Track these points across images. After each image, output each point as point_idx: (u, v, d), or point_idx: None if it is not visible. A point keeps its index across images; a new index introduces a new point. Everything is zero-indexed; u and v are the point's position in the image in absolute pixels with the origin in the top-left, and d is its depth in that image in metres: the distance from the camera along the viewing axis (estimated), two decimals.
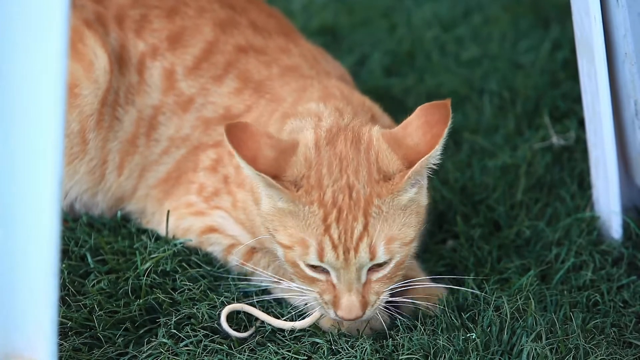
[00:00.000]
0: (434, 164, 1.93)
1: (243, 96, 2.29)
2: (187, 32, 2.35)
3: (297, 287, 1.99)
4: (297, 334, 2.05)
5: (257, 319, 2.06)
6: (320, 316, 2.01)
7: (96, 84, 2.28)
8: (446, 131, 1.89)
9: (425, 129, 1.90)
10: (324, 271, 1.92)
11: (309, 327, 2.03)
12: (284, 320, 2.05)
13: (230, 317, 2.05)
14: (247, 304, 2.07)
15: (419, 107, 1.93)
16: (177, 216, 2.27)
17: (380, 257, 1.89)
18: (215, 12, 2.38)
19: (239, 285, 2.14)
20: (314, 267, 1.92)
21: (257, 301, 2.09)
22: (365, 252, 1.88)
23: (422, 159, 1.88)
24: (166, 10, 2.37)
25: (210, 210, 2.24)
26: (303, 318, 2.04)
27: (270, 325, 2.04)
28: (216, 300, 2.09)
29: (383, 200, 1.89)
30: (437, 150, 1.90)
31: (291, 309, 2.09)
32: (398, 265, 1.94)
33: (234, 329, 2.04)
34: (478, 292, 2.08)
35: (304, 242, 1.89)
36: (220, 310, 2.04)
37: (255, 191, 2.11)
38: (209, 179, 2.25)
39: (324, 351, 1.99)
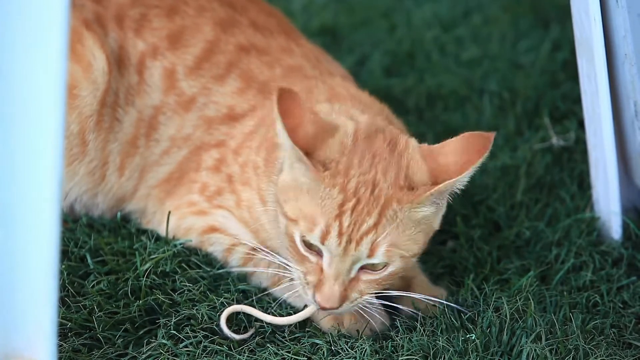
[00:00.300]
0: (458, 189, 1.92)
1: (247, 96, 2.28)
2: (188, 32, 2.34)
3: (283, 263, 1.99)
4: (296, 335, 2.05)
5: (256, 319, 2.06)
6: (317, 313, 2.01)
7: (95, 84, 2.28)
8: (480, 162, 1.88)
9: (461, 154, 1.90)
10: (318, 254, 1.92)
11: (305, 319, 2.04)
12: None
13: (230, 318, 2.05)
14: (245, 304, 2.07)
15: (463, 133, 1.93)
16: (178, 216, 2.27)
17: (378, 258, 1.89)
18: (215, 11, 2.37)
19: (239, 286, 2.14)
20: (309, 247, 1.92)
21: (256, 301, 2.09)
22: (365, 248, 1.88)
23: (449, 180, 1.88)
24: (166, 10, 2.36)
25: (213, 210, 2.24)
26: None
27: (266, 322, 2.04)
28: (216, 301, 2.09)
29: (400, 207, 1.89)
30: (466, 176, 1.89)
31: (291, 310, 2.09)
32: (392, 275, 1.94)
33: (233, 330, 2.04)
34: (460, 307, 2.08)
35: (312, 219, 1.88)
36: (220, 314, 2.04)
37: (262, 188, 2.11)
38: (212, 178, 2.26)
39: (323, 352, 1.99)
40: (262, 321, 2.06)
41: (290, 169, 1.94)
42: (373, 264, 1.92)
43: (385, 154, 1.93)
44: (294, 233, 1.92)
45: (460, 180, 1.90)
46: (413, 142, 1.98)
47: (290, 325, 2.04)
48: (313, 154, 1.90)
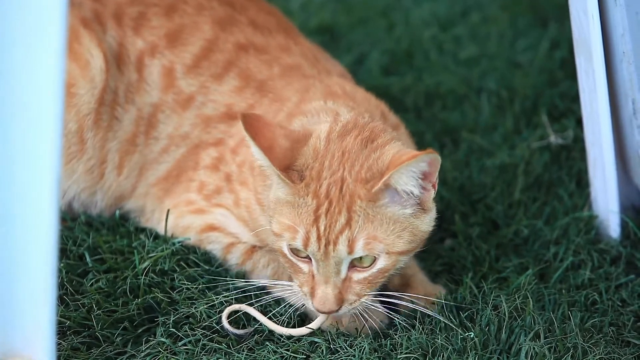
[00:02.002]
0: (408, 190, 1.91)
1: (245, 95, 2.29)
2: (186, 30, 2.34)
3: (288, 285, 2.02)
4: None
5: (255, 318, 2.06)
6: (317, 329, 2.02)
7: (92, 83, 2.28)
8: (419, 160, 1.86)
9: (409, 154, 1.90)
10: (309, 262, 1.94)
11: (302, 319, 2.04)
12: (281, 326, 2.05)
13: (230, 315, 2.05)
14: (246, 304, 2.08)
15: None
16: (177, 214, 2.27)
17: (358, 252, 1.90)
18: (214, 10, 2.37)
19: (237, 285, 2.14)
20: (299, 257, 1.94)
21: (255, 300, 2.09)
22: (343, 246, 1.89)
23: (389, 173, 1.87)
24: (164, 8, 2.36)
25: (211, 208, 2.24)
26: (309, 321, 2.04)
27: (267, 328, 2.04)
28: (214, 299, 2.09)
29: (366, 203, 1.90)
30: (403, 169, 1.87)
31: (289, 308, 2.09)
32: (382, 272, 1.94)
33: (233, 327, 2.04)
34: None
35: (293, 228, 1.92)
36: (221, 311, 2.04)
37: (258, 191, 2.11)
38: (210, 177, 2.26)
39: (322, 350, 1.99)
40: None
41: (276, 186, 1.96)
42: (361, 261, 1.92)
43: (354, 149, 1.94)
44: (282, 247, 1.95)
45: (396, 177, 1.87)
46: (396, 144, 1.96)
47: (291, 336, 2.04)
48: (292, 166, 1.93)
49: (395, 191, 1.91)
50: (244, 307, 2.05)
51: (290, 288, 2.03)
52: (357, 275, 1.94)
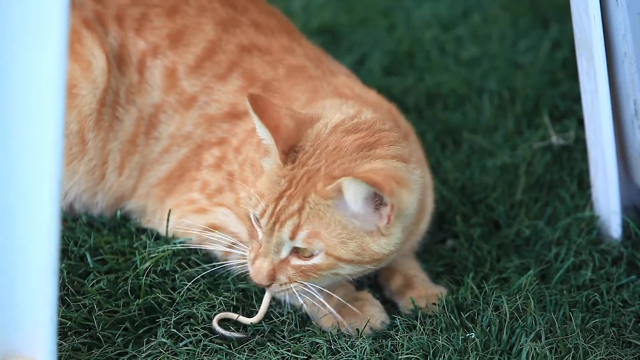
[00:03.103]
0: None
1: None
2: (189, 31, 2.34)
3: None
4: (296, 334, 2.05)
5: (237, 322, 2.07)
6: (267, 310, 2.05)
7: (94, 84, 2.28)
8: (366, 186, 1.86)
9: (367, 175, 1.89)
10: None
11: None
12: (281, 325, 2.06)
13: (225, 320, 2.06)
14: (245, 304, 2.08)
15: None
16: (178, 214, 2.27)
17: (298, 242, 1.94)
18: (216, 11, 2.37)
19: (239, 285, 2.14)
20: (258, 223, 1.99)
21: (256, 300, 2.09)
22: (288, 230, 1.93)
23: (343, 178, 1.88)
24: (166, 9, 2.36)
25: (213, 208, 2.24)
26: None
27: (242, 323, 2.06)
28: (215, 300, 2.09)
29: (319, 198, 1.92)
30: (352, 183, 1.87)
31: (290, 309, 2.09)
32: (316, 268, 1.96)
33: (232, 330, 2.04)
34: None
35: (262, 196, 1.97)
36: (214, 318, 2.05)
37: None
38: (213, 176, 2.26)
39: (323, 351, 1.99)
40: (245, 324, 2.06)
41: (271, 157, 2.01)
42: (302, 250, 1.95)
43: (348, 149, 1.95)
44: (248, 208, 2.01)
45: (346, 185, 1.88)
46: (393, 160, 1.95)
47: (261, 320, 2.05)
48: (295, 147, 1.97)
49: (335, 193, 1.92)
50: (225, 314, 2.06)
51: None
52: (295, 261, 1.97)
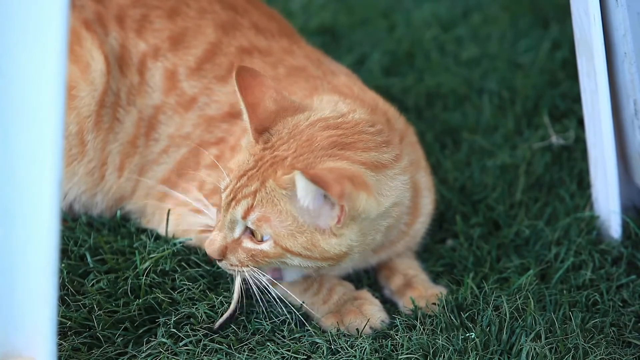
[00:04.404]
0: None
1: None
2: (189, 33, 2.35)
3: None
4: (296, 335, 2.05)
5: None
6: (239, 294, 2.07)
7: (93, 85, 2.28)
8: (314, 185, 1.87)
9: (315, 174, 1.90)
10: None
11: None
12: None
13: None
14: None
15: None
16: (177, 214, 2.27)
17: (248, 222, 1.96)
18: (216, 13, 2.38)
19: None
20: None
21: (256, 300, 2.09)
22: (241, 208, 1.96)
23: (296, 172, 1.88)
24: (167, 11, 2.37)
25: (212, 207, 2.24)
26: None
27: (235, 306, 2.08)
28: (215, 299, 2.09)
29: (275, 185, 1.93)
30: (301, 179, 1.88)
31: (291, 308, 2.09)
32: (264, 254, 1.97)
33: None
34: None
35: (230, 172, 2.02)
36: (223, 312, 2.05)
37: None
38: (210, 175, 2.26)
39: (323, 351, 2.00)
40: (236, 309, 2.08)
41: (246, 136, 2.04)
42: (255, 234, 1.96)
43: (320, 144, 1.96)
44: (220, 181, 2.04)
45: (297, 179, 1.88)
46: (365, 169, 1.95)
47: (239, 299, 2.07)
48: (269, 129, 2.00)
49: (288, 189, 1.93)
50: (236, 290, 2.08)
51: (287, 287, 2.07)
52: (247, 243, 1.98)
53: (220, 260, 2.01)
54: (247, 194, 1.96)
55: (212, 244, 2.00)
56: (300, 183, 1.89)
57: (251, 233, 1.97)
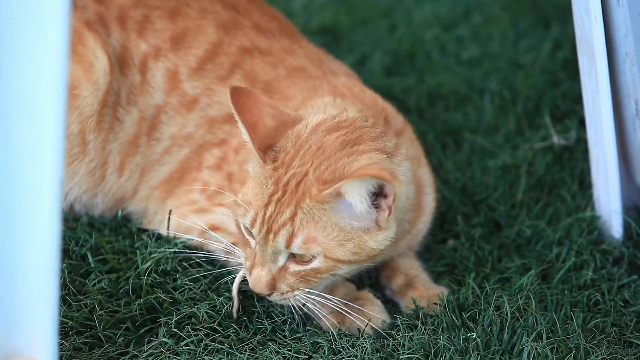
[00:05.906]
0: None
1: None
2: (190, 33, 2.35)
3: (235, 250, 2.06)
4: (298, 334, 2.05)
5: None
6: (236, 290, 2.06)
7: (96, 85, 2.28)
8: (370, 180, 1.87)
9: (367, 170, 1.89)
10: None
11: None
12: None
13: (229, 315, 2.06)
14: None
15: None
16: (179, 215, 2.27)
17: (294, 249, 1.92)
18: (217, 13, 2.38)
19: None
20: (249, 232, 1.97)
21: (258, 299, 2.09)
22: (282, 239, 1.92)
23: (342, 181, 1.88)
24: (168, 11, 2.37)
25: (213, 208, 2.24)
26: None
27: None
28: (216, 299, 2.09)
29: (314, 203, 1.90)
30: (355, 182, 1.87)
31: (292, 310, 2.09)
32: (317, 272, 1.95)
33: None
34: None
35: (249, 204, 1.96)
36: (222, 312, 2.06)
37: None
38: (213, 176, 2.26)
39: (324, 350, 2.00)
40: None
41: (252, 161, 2.01)
42: (300, 255, 1.94)
43: (332, 148, 1.94)
44: (238, 217, 1.99)
45: (346, 187, 1.87)
46: (376, 154, 1.94)
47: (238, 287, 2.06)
48: (273, 146, 1.96)
49: (345, 200, 1.90)
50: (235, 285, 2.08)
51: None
52: (294, 267, 1.95)
53: (270, 295, 1.97)
54: (283, 222, 1.92)
55: (258, 282, 1.95)
56: (351, 190, 1.88)
57: (294, 256, 1.95)
